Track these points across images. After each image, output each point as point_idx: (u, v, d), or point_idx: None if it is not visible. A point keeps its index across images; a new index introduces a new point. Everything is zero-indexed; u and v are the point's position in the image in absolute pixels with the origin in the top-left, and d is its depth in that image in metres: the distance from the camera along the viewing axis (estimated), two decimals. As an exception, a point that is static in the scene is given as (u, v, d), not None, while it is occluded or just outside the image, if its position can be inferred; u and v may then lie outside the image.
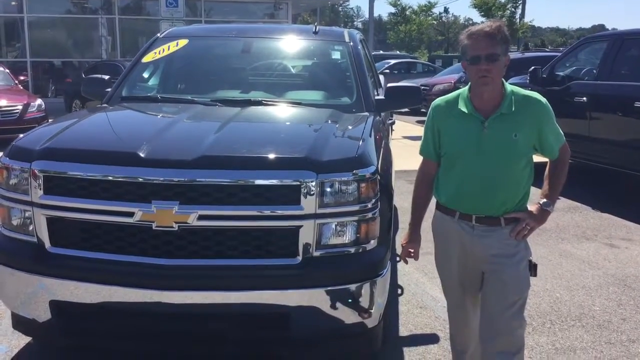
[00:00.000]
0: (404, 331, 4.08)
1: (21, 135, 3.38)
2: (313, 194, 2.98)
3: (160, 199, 2.94)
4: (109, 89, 4.54)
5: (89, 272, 3.02)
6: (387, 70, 23.28)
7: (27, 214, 3.12)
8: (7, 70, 13.59)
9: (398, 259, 5.49)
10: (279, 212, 2.98)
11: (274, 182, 2.97)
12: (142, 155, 3.01)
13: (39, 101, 12.17)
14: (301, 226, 3.00)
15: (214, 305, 2.98)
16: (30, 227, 3.12)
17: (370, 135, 3.58)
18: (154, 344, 3.17)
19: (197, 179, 2.95)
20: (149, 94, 4.58)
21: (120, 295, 2.99)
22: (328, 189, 3.03)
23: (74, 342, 3.29)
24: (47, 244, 3.10)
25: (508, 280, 2.82)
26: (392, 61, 26.25)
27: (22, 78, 15.94)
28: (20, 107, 11.50)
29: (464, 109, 2.82)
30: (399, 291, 4.75)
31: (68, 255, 3.07)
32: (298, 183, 2.97)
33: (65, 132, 3.36)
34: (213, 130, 3.33)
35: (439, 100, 3.00)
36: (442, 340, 3.96)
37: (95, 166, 3.01)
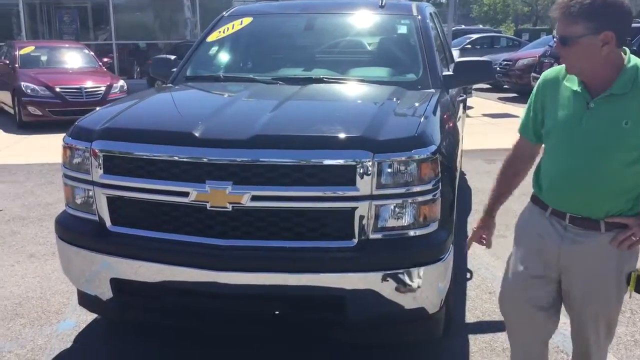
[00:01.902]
0: (470, 317, 3.91)
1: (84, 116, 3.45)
2: (369, 175, 2.87)
3: (214, 179, 2.92)
4: (175, 69, 4.58)
5: (147, 251, 3.04)
6: (469, 46, 22.57)
7: (89, 193, 3.18)
8: (92, 53, 14.14)
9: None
10: (334, 193, 2.89)
11: (329, 162, 2.87)
12: (196, 134, 2.99)
13: (121, 82, 12.61)
14: (357, 208, 2.89)
15: (268, 286, 2.94)
16: (92, 206, 3.17)
17: (433, 113, 3.41)
18: (210, 323, 3.17)
19: (250, 159, 2.89)
20: (212, 73, 4.57)
21: (177, 274, 3.00)
22: (385, 169, 2.91)
23: (134, 319, 3.35)
24: (108, 223, 3.15)
25: (600, 297, 2.41)
26: (474, 36, 25.39)
27: (105, 60, 16.53)
28: (103, 88, 11.95)
29: (572, 85, 2.35)
30: (468, 275, 4.56)
31: (127, 234, 3.11)
32: (354, 163, 2.86)
33: (125, 112, 3.39)
34: (269, 109, 3.27)
35: (550, 71, 2.50)
36: (511, 328, 3.76)
37: (151, 146, 3.01)
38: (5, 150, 9.59)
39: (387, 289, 2.93)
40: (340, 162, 2.87)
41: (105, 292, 3.20)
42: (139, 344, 3.55)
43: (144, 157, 3.02)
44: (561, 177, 2.40)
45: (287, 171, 2.89)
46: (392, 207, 2.95)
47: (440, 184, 3.05)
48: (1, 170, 8.07)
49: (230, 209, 2.91)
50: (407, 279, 2.95)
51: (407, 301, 2.99)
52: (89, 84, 12.05)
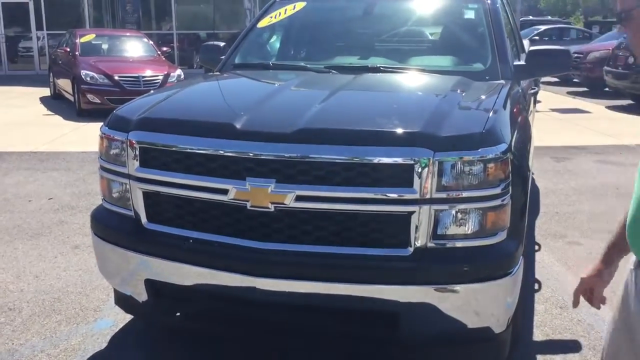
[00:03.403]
0: (539, 335, 3.52)
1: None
2: (428, 176, 2.53)
3: (255, 176, 2.64)
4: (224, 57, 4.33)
5: (183, 251, 2.80)
6: (537, 37, 21.63)
7: (125, 187, 2.96)
8: (151, 42, 14.18)
9: (537, 248, 4.92)
10: (388, 195, 2.57)
11: (382, 160, 2.55)
12: (237, 126, 2.72)
13: (178, 71, 12.56)
14: (414, 212, 2.56)
15: (311, 296, 2.65)
16: (128, 201, 2.96)
17: (503, 107, 3.04)
18: (248, 331, 2.91)
19: (295, 155, 2.60)
20: (261, 61, 4.29)
21: (213, 278, 2.74)
22: (447, 170, 2.56)
23: (169, 323, 3.13)
24: (144, 219, 2.92)
25: None
26: (542, 27, 24.33)
27: (165, 49, 16.59)
28: (161, 77, 11.93)
29: None
30: (536, 286, 4.15)
31: (163, 232, 2.88)
32: (411, 162, 2.53)
33: (165, 101, 3.15)
34: (318, 100, 2.96)
35: None
36: (586, 349, 3.36)
37: (188, 137, 2.76)
38: (62, 137, 9.65)
39: (447, 305, 2.60)
40: (396, 160, 2.54)
41: (140, 293, 2.98)
42: (175, 349, 3.32)
43: (181, 149, 2.77)
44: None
45: (336, 169, 2.59)
46: (454, 212, 2.60)
47: (510, 187, 2.68)
48: (56, 158, 8.07)
49: (272, 209, 2.63)
50: (469, 295, 2.61)
51: (470, 319, 2.65)
52: (147, 72, 12.05)
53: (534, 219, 5.50)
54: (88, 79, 11.78)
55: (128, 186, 2.93)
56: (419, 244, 2.59)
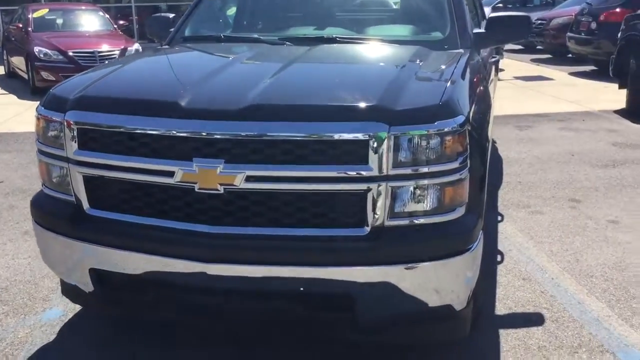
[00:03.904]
0: (501, 309, 3.47)
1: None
2: (384, 151, 2.42)
3: (203, 156, 2.49)
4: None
5: (128, 238, 2.65)
6: (500, 5, 21.57)
7: (64, 171, 2.78)
8: (107, 16, 13.72)
9: (500, 218, 4.88)
10: (342, 173, 2.44)
11: (335, 136, 2.42)
12: (181, 104, 2.55)
13: (136, 45, 12.18)
14: (369, 190, 2.45)
15: (264, 281, 2.53)
16: (68, 186, 2.78)
17: (461, 77, 2.93)
18: (200, 319, 2.79)
19: (243, 133, 2.46)
20: (212, 33, 4.09)
21: (161, 265, 2.60)
22: (403, 145, 2.45)
23: (117, 313, 2.99)
24: (85, 205, 2.75)
25: None
26: (506, -6, 24.28)
27: (121, 22, 16.09)
28: (118, 52, 11.56)
29: None
30: (498, 258, 4.11)
31: (107, 219, 2.72)
32: (365, 137, 2.41)
33: (105, 78, 2.96)
34: (268, 75, 2.80)
35: None
36: (549, 322, 3.32)
37: (130, 117, 2.59)
38: (16, 117, 9.30)
39: (405, 285, 2.51)
40: (349, 136, 2.42)
41: (86, 283, 2.83)
42: (128, 339, 3.18)
43: (121, 130, 2.60)
44: None
45: (287, 147, 2.45)
46: (411, 189, 2.50)
47: (468, 160, 2.58)
48: (8, 139, 7.77)
49: (221, 191, 2.49)
50: (428, 273, 2.53)
51: (430, 298, 2.57)
52: (103, 47, 11.66)
53: (496, 190, 5.47)
54: (41, 55, 11.35)
55: (67, 170, 2.75)
56: (375, 222, 2.49)
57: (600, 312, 3.42)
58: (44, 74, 11.21)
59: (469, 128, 2.61)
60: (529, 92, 10.73)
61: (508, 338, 3.17)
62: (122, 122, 2.60)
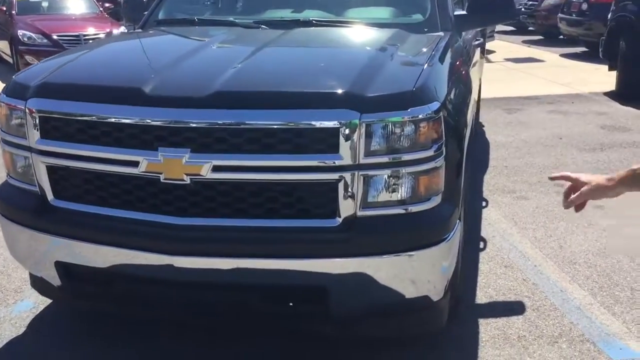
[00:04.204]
0: (482, 297, 3.41)
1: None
2: (356, 139, 2.33)
3: (168, 145, 2.41)
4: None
5: (93, 230, 2.57)
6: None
7: (27, 161, 2.69)
8: (93, -2, 13.51)
9: (484, 204, 4.82)
10: (312, 162, 2.36)
11: (304, 124, 2.34)
12: (146, 91, 2.46)
13: (122, 28, 11.96)
14: (340, 180, 2.37)
15: (232, 273, 2.45)
16: (32, 176, 2.69)
17: (440, 61, 2.84)
18: (169, 313, 2.71)
19: (210, 122, 2.37)
20: (187, 16, 3.97)
21: (127, 258, 2.53)
22: (375, 133, 2.37)
23: (86, 306, 2.92)
24: (50, 196, 2.67)
25: None
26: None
27: (107, 5, 15.85)
28: (103, 35, 11.36)
29: None
30: (481, 245, 4.05)
31: (71, 210, 2.63)
32: (336, 125, 2.33)
33: (70, 64, 2.85)
34: (238, 60, 2.70)
35: None
36: (529, 310, 3.26)
37: (93, 105, 2.50)
38: None
39: (378, 277, 2.45)
40: (319, 124, 2.33)
41: (53, 277, 2.75)
42: (99, 333, 3.11)
43: (84, 118, 2.51)
44: None
45: (255, 136, 2.37)
46: (384, 178, 2.42)
47: (444, 148, 2.50)
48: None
49: (188, 181, 2.41)
50: (402, 265, 2.46)
51: (405, 289, 2.51)
52: (88, 30, 11.46)
53: (482, 174, 5.40)
54: (25, 39, 11.16)
55: (30, 160, 2.66)
56: (347, 213, 2.41)
57: (582, 300, 3.37)
58: (28, 58, 11.00)
59: (445, 114, 2.53)
60: (519, 74, 10.63)
61: (488, 328, 3.11)
62: (84, 109, 2.50)
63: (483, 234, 4.23)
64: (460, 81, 3.16)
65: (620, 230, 4.24)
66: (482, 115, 7.29)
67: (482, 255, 3.90)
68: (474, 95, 4.22)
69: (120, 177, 2.52)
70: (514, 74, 10.74)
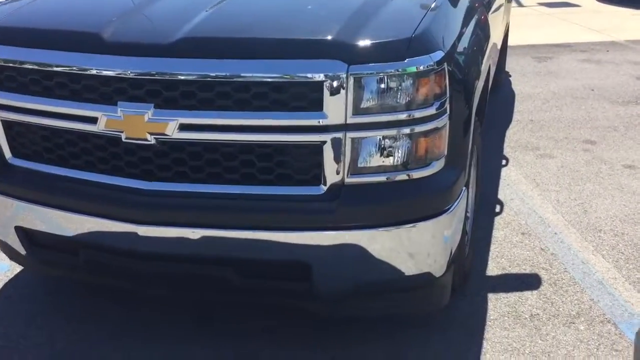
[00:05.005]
0: (493, 268, 3.10)
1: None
2: (342, 95, 2.00)
3: (129, 99, 2.11)
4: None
5: (51, 193, 2.31)
6: None
7: (-17, 115, 2.42)
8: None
9: (504, 162, 4.45)
10: (292, 121, 2.05)
11: (283, 77, 2.01)
12: (104, 36, 2.15)
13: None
14: (325, 142, 2.05)
15: (204, 244, 2.18)
16: (-11, 132, 2.42)
17: (449, 3, 2.46)
18: (140, 286, 2.46)
19: (175, 72, 2.06)
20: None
21: (89, 225, 2.27)
22: (366, 87, 2.03)
23: (50, 273, 2.69)
24: (8, 154, 2.42)
25: None
26: None
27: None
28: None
29: None
30: (497, 209, 3.71)
31: (30, 170, 2.38)
32: (319, 79, 1.99)
33: (23, 8, 2.52)
34: (211, 3, 2.34)
35: None
36: (545, 285, 2.95)
37: (46, 52, 2.20)
38: None
39: (367, 253, 2.15)
40: (300, 77, 2.00)
41: (15, 241, 2.51)
42: (75, 299, 2.89)
43: (38, 67, 2.21)
44: None
45: (226, 90, 2.05)
46: (376, 140, 2.10)
47: (448, 105, 2.15)
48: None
49: (152, 141, 2.11)
50: (396, 239, 2.16)
51: (399, 266, 2.22)
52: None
53: (504, 129, 5.00)
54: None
55: (-16, 114, 2.38)
56: (333, 180, 2.10)
57: (606, 274, 3.04)
58: None
59: (451, 66, 2.17)
60: (553, 20, 9.98)
61: (498, 304, 2.81)
62: (36, 57, 2.21)
63: (500, 196, 3.88)
64: (476, 26, 2.77)
65: (652, 193, 3.86)
66: (509, 64, 6.82)
67: (498, 221, 3.57)
68: (495, 42, 3.81)
69: (79, 134, 2.24)
70: (547, 19, 10.08)
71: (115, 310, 2.78)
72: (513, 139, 4.81)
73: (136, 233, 2.18)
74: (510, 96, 5.94)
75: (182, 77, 2.05)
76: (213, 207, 2.16)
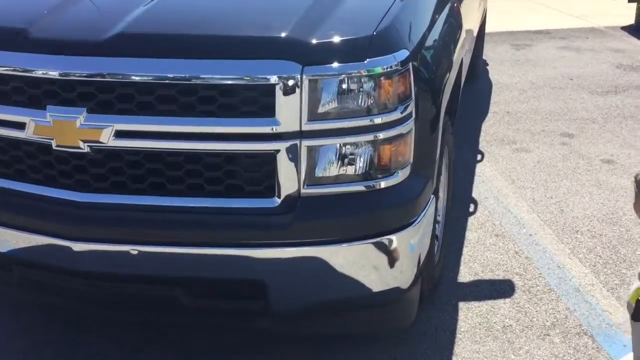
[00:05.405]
0: (466, 274, 2.94)
1: None
2: (296, 100, 1.81)
3: (59, 103, 1.91)
4: None
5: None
6: None
7: None
8: None
9: (480, 157, 4.30)
10: (241, 128, 1.86)
11: (230, 79, 1.81)
12: (33, 33, 1.94)
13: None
14: (278, 150, 1.86)
15: (145, 263, 1.98)
16: None
17: (415, -5, 2.27)
18: (82, 304, 2.26)
19: (110, 73, 1.85)
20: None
21: (20, 240, 2.06)
22: (323, 90, 1.85)
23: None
24: None
25: None
26: None
27: None
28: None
29: None
30: (471, 208, 3.55)
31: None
32: (271, 81, 1.80)
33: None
34: (150, -3, 2.13)
35: None
36: (519, 292, 2.80)
37: (-34, 51, 1.97)
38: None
39: (326, 270, 1.98)
40: (249, 80, 1.81)
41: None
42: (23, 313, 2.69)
43: (-41, 67, 1.98)
44: None
45: (169, 93, 1.85)
46: (335, 148, 1.91)
47: (414, 109, 1.97)
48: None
49: (86, 149, 1.90)
50: (357, 255, 1.98)
51: (360, 284, 2.04)
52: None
53: (480, 122, 4.84)
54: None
55: None
56: (288, 191, 1.92)
57: (582, 280, 2.90)
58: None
59: (418, 65, 2.00)
60: (532, 5, 9.82)
61: (469, 314, 2.65)
62: (-43, 56, 1.98)
63: (475, 193, 3.72)
64: (447, 17, 2.59)
65: (632, 190, 3.72)
66: (487, 52, 6.64)
67: (471, 221, 3.41)
68: (470, 30, 3.64)
69: (8, 141, 2.02)
70: (526, 4, 9.91)
71: (60, 326, 2.58)
72: (489, 132, 4.65)
73: (70, 249, 1.97)
74: (487, 86, 5.77)
75: (118, 79, 1.85)
76: (156, 222, 1.96)
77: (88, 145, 1.89)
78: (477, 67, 5.69)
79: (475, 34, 4.29)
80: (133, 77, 1.84)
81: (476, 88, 5.58)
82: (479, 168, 4.07)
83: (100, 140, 1.88)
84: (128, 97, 1.86)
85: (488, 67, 6.37)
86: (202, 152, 1.90)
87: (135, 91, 1.85)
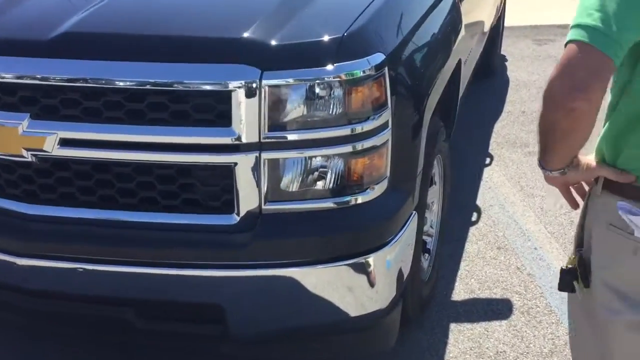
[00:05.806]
0: (460, 291, 2.73)
1: None
2: (255, 108, 1.64)
3: (0, 108, 1.75)
4: None
5: None
6: None
7: None
8: None
9: (488, 160, 4.07)
10: (194, 138, 1.68)
11: (183, 84, 1.64)
12: (-29, 32, 1.78)
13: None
14: (236, 163, 1.69)
15: (99, 282, 1.83)
16: None
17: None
18: (34, 321, 2.11)
19: (55, 76, 1.69)
20: None
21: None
22: (285, 98, 1.67)
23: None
24: None
25: None
26: None
27: None
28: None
29: None
30: (474, 217, 3.33)
31: None
32: (226, 88, 1.63)
33: None
34: (101, -3, 1.96)
35: None
36: (517, 314, 2.58)
37: None
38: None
39: (289, 295, 1.80)
40: (202, 85, 1.64)
41: None
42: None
43: None
44: None
45: (117, 98, 1.69)
46: (299, 161, 1.73)
47: (390, 118, 1.78)
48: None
49: (29, 158, 1.75)
50: (324, 279, 1.81)
51: (328, 309, 1.86)
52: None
53: (493, 122, 4.60)
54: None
55: None
56: (248, 207, 1.74)
57: (588, 301, 2.67)
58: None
59: (397, 70, 1.80)
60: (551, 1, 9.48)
61: (460, 337, 2.45)
62: None
63: (480, 201, 3.49)
64: (440, 13, 2.37)
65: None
66: (507, 47, 6.36)
67: (472, 232, 3.19)
68: (479, 27, 3.41)
69: (-49, 147, 1.88)
70: (549, -2, 9.58)
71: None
72: (501, 134, 4.41)
73: (15, 264, 1.83)
74: (504, 84, 5.51)
75: (63, 82, 1.69)
76: (106, 238, 1.80)
77: (32, 154, 1.74)
78: (493, 63, 5.43)
79: (486, 29, 4.04)
80: (79, 81, 1.68)
81: (491, 85, 5.32)
82: (486, 172, 3.84)
83: (44, 148, 1.73)
84: (73, 102, 1.70)
85: (507, 63, 6.09)
86: (154, 164, 1.73)
87: (80, 96, 1.70)
